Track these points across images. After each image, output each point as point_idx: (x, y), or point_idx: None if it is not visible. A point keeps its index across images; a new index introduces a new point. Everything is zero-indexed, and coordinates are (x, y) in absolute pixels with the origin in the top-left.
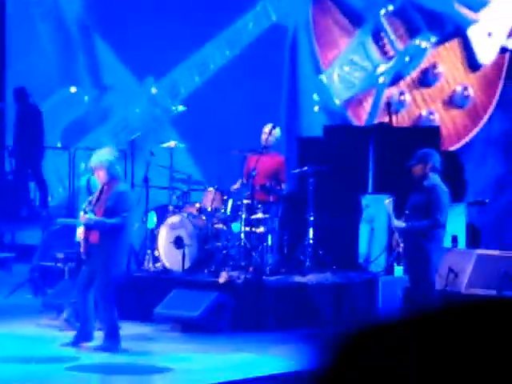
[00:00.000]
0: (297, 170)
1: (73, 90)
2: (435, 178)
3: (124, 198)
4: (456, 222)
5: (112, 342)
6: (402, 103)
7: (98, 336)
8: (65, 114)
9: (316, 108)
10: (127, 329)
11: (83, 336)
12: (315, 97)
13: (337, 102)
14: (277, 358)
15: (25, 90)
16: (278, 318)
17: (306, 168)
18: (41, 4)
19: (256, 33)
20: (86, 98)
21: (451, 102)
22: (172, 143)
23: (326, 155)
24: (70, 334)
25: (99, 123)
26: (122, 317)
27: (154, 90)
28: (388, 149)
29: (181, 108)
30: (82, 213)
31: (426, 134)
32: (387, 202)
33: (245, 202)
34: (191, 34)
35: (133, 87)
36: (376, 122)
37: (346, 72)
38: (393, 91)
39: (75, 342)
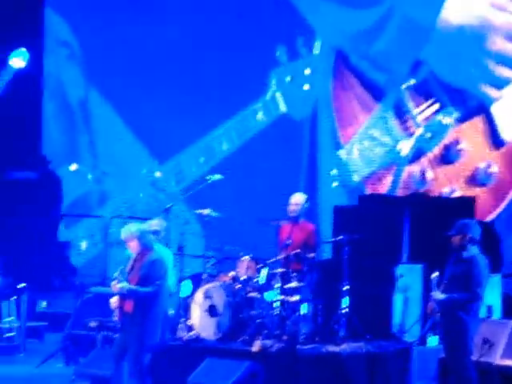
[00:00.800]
0: (332, 239)
1: (73, 167)
2: (474, 249)
3: (157, 266)
4: (491, 293)
5: None
6: (423, 181)
7: None
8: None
9: (335, 184)
10: None
11: None
12: (334, 172)
13: (356, 178)
14: None
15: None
16: None
17: (341, 237)
18: (48, 84)
19: (265, 122)
20: (90, 176)
21: (474, 179)
22: (206, 211)
23: (361, 224)
24: None
25: (99, 204)
26: None
27: (158, 174)
28: (423, 218)
29: (217, 177)
30: (114, 282)
31: (461, 204)
32: (434, 276)
33: (279, 270)
34: (198, 120)
35: (136, 171)
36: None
37: (366, 147)
38: (414, 168)
39: None
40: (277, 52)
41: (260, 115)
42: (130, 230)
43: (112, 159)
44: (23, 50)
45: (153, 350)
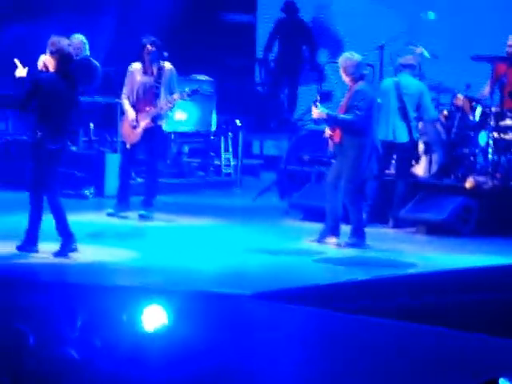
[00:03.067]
0: None
1: None
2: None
3: (358, 96)
4: None
5: (358, 238)
6: None
7: (344, 232)
8: None
9: None
10: (372, 230)
11: (330, 231)
12: None
13: None
14: None
15: (294, 4)
16: None
17: None
18: None
19: None
20: None
21: None
22: (419, 49)
23: None
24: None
25: None
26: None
27: None
28: None
29: (431, 15)
30: (313, 107)
31: None
32: None
33: (493, 109)
34: None
35: None
36: None
37: None
38: None
39: (321, 239)
40: None
41: None
42: (344, 58)
43: None
44: None
45: (364, 182)
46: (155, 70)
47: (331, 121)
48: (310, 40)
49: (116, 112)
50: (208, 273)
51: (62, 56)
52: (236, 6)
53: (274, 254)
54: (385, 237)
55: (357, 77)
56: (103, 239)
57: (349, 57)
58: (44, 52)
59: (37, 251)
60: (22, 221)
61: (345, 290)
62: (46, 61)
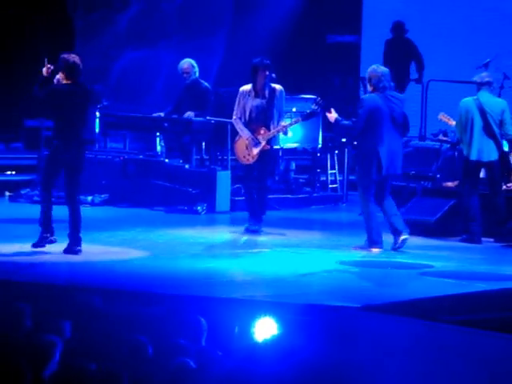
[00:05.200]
0: None
1: None
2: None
3: (360, 103)
4: None
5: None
6: None
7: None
8: None
9: None
10: (480, 246)
11: None
12: None
13: None
14: None
15: (402, 24)
16: None
17: None
18: None
19: None
20: None
21: None
22: None
23: None
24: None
25: None
26: None
27: None
28: None
29: None
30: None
31: None
32: None
33: None
34: None
35: None
36: None
37: None
38: None
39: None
40: None
41: None
42: (371, 69)
43: None
44: None
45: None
46: (267, 92)
47: (336, 125)
48: (418, 59)
49: (227, 131)
50: (317, 285)
51: (67, 67)
52: (342, 28)
53: (381, 267)
54: (490, 251)
55: (378, 87)
56: (214, 253)
57: (374, 68)
58: (159, 76)
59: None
60: (137, 236)
61: (451, 302)
62: (59, 77)
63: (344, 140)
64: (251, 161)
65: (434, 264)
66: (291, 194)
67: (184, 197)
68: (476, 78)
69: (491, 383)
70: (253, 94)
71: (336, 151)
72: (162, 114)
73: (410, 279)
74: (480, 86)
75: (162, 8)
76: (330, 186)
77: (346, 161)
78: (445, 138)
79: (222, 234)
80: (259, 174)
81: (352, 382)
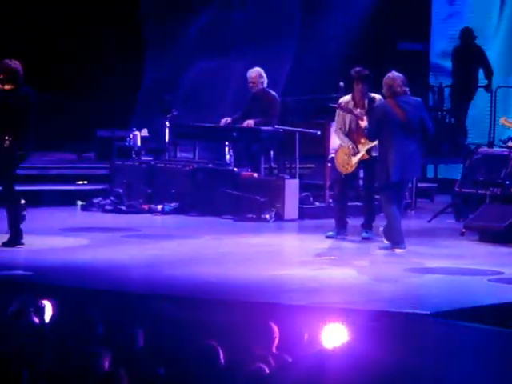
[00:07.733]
0: None
1: None
2: None
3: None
4: None
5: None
6: None
7: None
8: None
9: None
10: None
11: None
12: None
13: None
14: None
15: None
16: None
17: None
18: None
19: None
20: None
21: None
22: None
23: None
24: None
25: None
26: None
27: None
28: None
29: None
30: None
31: None
32: None
33: None
34: None
35: None
36: None
37: None
38: None
39: None
40: None
41: None
42: (387, 76)
43: None
44: None
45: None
46: (366, 102)
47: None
48: (486, 65)
49: (295, 140)
50: (386, 292)
51: (6, 73)
52: (411, 36)
53: (450, 274)
54: None
55: (389, 93)
56: (284, 260)
57: (389, 75)
58: (229, 86)
59: None
60: (206, 243)
61: None
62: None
63: None
64: (350, 170)
65: (503, 271)
66: (360, 201)
67: (252, 205)
68: None
69: None
70: (352, 104)
71: None
72: (229, 119)
73: (478, 286)
74: None
75: (231, 18)
76: None
77: None
78: None
79: (291, 241)
80: (365, 184)
81: None
